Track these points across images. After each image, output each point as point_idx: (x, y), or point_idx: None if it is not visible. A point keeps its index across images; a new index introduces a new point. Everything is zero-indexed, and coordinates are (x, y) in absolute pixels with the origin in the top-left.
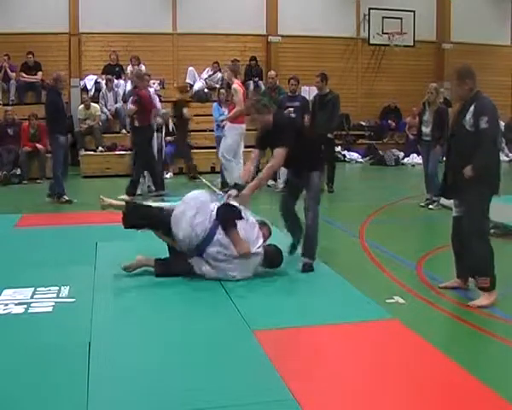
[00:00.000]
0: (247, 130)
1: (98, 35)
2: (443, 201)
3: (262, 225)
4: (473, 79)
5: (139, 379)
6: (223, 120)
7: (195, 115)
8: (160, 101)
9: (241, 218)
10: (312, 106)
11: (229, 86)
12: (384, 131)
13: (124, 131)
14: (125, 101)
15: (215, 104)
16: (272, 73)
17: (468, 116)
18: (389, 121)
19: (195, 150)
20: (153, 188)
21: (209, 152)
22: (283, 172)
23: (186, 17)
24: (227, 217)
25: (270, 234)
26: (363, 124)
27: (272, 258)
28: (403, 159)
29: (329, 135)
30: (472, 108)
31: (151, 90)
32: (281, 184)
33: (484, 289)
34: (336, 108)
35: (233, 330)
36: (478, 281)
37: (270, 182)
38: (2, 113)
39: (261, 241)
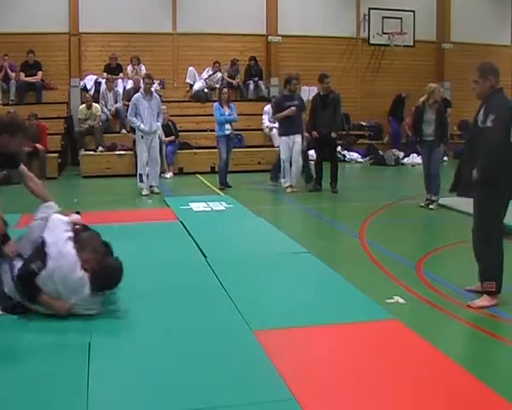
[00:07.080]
0: (246, 130)
1: (98, 35)
2: (442, 201)
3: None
4: (495, 76)
5: (139, 379)
6: None
7: (195, 115)
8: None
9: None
10: (313, 105)
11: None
12: (384, 131)
13: (124, 131)
14: (128, 100)
15: (216, 104)
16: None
17: (481, 113)
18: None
19: (196, 150)
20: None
21: (209, 152)
22: (286, 168)
23: (186, 17)
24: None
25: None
26: (363, 124)
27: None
28: (403, 159)
29: (333, 134)
30: (486, 105)
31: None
32: (285, 183)
33: (489, 293)
34: (339, 107)
35: (233, 330)
36: (483, 284)
37: (271, 182)
38: (2, 113)
39: (79, 265)
